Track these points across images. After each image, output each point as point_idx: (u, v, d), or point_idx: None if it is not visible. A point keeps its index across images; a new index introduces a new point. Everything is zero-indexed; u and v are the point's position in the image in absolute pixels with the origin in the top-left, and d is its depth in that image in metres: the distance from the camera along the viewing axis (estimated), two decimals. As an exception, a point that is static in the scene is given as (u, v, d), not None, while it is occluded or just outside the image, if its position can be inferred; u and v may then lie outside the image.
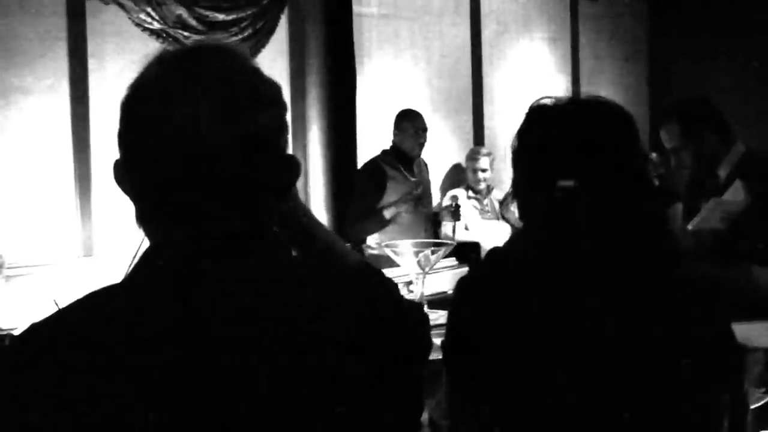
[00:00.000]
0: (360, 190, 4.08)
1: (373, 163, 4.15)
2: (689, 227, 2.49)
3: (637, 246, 1.16)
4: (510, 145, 1.23)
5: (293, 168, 0.91)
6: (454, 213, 4.22)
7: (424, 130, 4.17)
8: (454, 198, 4.45)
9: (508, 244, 1.25)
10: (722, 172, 2.52)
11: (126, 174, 0.88)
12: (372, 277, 0.95)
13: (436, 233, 4.22)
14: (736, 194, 2.41)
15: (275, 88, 0.91)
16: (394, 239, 3.28)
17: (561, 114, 1.20)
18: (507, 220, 4.53)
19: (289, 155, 0.91)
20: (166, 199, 0.86)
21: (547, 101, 1.22)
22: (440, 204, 4.74)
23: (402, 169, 4.13)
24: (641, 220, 1.17)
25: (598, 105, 1.22)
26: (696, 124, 2.52)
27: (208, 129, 0.83)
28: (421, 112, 4.32)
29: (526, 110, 1.22)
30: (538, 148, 1.20)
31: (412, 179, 4.15)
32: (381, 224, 4.01)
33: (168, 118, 0.84)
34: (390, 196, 4.03)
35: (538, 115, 1.22)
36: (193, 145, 0.83)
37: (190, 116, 0.83)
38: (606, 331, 1.12)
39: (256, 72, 0.91)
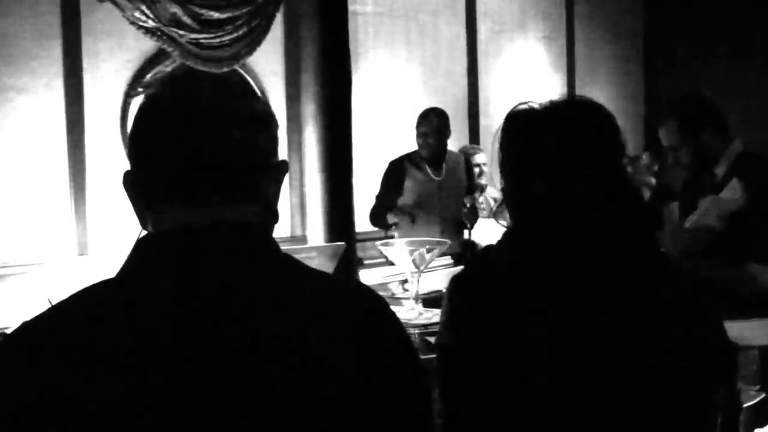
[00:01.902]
0: (381, 184, 4.18)
1: (397, 160, 4.19)
2: (686, 225, 2.50)
3: (625, 243, 1.17)
4: (495, 152, 1.25)
5: (284, 170, 0.96)
6: (468, 214, 4.19)
7: (427, 132, 4.05)
8: (471, 198, 4.37)
9: (500, 242, 1.25)
10: (719, 170, 2.53)
11: (132, 175, 0.92)
12: (361, 289, 0.98)
13: (455, 235, 4.11)
14: (733, 192, 2.41)
15: (268, 103, 1.01)
16: (409, 236, 3.31)
17: (538, 117, 1.22)
18: (501, 225, 4.50)
19: (282, 160, 0.96)
20: (167, 193, 0.89)
21: (523, 106, 1.24)
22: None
23: (427, 168, 4.11)
24: (625, 218, 1.18)
25: (576, 105, 1.24)
26: (694, 122, 2.52)
27: (211, 132, 0.89)
28: (417, 109, 4.29)
29: (504, 118, 1.24)
30: (519, 152, 1.22)
31: (436, 179, 4.11)
32: (387, 225, 4.10)
33: (176, 112, 0.90)
34: (409, 193, 4.05)
35: (515, 121, 1.24)
36: (196, 145, 0.88)
37: (195, 110, 0.89)
38: (598, 330, 1.13)
39: (252, 87, 0.99)
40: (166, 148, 0.89)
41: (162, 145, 0.89)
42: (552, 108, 1.23)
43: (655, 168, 4.94)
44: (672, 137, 2.56)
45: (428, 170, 4.12)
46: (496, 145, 1.25)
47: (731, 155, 2.51)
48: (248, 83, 0.97)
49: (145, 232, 0.91)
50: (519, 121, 1.23)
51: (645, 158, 5.27)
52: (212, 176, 0.88)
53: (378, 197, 4.16)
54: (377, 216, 4.16)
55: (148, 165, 0.90)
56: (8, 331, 2.22)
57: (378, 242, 2.65)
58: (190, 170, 0.88)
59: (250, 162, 0.91)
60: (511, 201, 1.24)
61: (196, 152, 0.88)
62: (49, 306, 0.89)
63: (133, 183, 0.92)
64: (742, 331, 1.88)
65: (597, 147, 1.20)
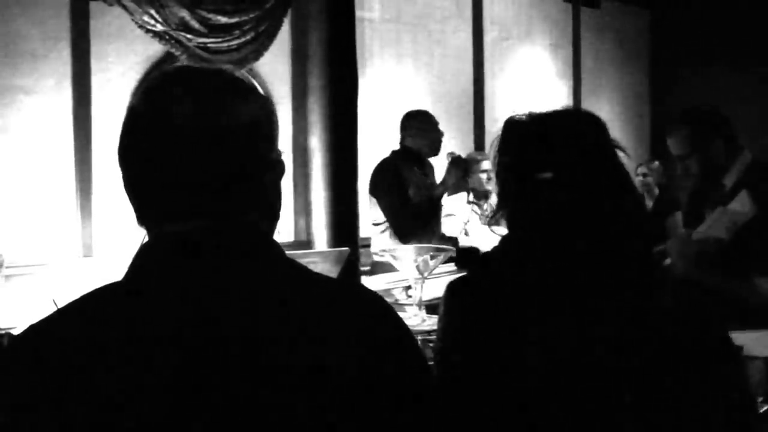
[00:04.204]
0: (398, 184, 3.91)
1: (390, 161, 4.03)
2: (694, 236, 2.48)
3: (620, 246, 1.17)
4: (492, 159, 1.27)
5: (280, 169, 0.95)
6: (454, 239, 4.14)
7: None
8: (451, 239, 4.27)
9: (497, 249, 1.25)
10: (728, 181, 2.51)
11: (124, 176, 0.91)
12: (365, 291, 0.98)
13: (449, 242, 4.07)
14: (742, 204, 2.40)
15: (265, 100, 0.96)
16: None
17: (533, 124, 1.24)
18: (496, 233, 4.46)
19: (278, 159, 0.95)
20: (161, 197, 0.89)
21: (521, 115, 1.26)
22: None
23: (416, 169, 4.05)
24: (618, 219, 1.19)
25: (569, 113, 1.26)
26: (704, 131, 2.51)
27: (196, 129, 0.88)
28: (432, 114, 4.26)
29: (501, 125, 1.26)
30: (516, 157, 1.23)
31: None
32: (435, 208, 3.89)
33: (163, 120, 0.88)
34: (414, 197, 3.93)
35: (512, 128, 1.25)
36: (186, 146, 0.87)
37: (183, 118, 0.88)
38: (596, 338, 1.13)
39: (246, 85, 0.95)
40: (152, 165, 0.88)
41: (147, 163, 0.88)
42: (546, 115, 1.25)
43: (664, 179, 4.93)
44: (682, 146, 2.54)
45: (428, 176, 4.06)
46: (493, 152, 1.27)
47: (741, 166, 2.50)
48: (240, 80, 0.93)
49: (148, 237, 0.91)
50: (517, 128, 1.25)
51: (657, 166, 5.25)
52: (201, 191, 0.87)
53: (401, 196, 3.87)
54: (417, 207, 3.84)
55: (135, 180, 0.90)
56: (14, 331, 2.23)
57: (381, 248, 2.65)
58: (177, 188, 0.87)
59: (240, 170, 0.89)
60: (507, 206, 1.24)
61: (182, 168, 0.87)
62: (56, 308, 0.89)
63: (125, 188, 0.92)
64: (746, 342, 1.88)
65: (588, 148, 1.21)
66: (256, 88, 0.97)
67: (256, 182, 0.91)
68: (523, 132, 1.24)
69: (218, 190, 0.88)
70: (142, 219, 0.91)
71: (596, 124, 1.24)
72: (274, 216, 0.96)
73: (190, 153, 0.87)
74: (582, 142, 1.21)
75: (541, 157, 1.20)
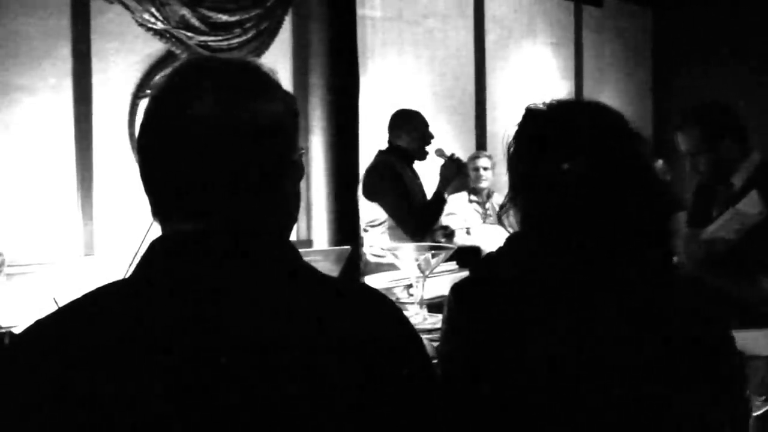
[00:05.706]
0: (399, 186, 3.83)
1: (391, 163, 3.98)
2: (703, 236, 2.47)
3: (634, 245, 1.16)
4: (505, 148, 1.24)
5: (298, 170, 0.94)
6: (448, 237, 4.12)
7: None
8: (445, 228, 4.25)
9: (502, 248, 1.24)
10: (737, 180, 2.51)
11: (141, 170, 0.91)
12: (370, 291, 0.97)
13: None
14: (751, 204, 2.39)
15: (289, 98, 0.94)
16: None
17: (556, 112, 1.22)
18: (504, 226, 4.45)
19: (295, 161, 0.94)
20: (175, 193, 0.88)
21: (541, 104, 1.24)
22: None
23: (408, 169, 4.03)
24: (641, 215, 1.17)
25: (591, 104, 1.24)
26: (716, 129, 2.50)
27: (215, 128, 0.87)
28: (424, 114, 4.26)
29: (522, 112, 1.24)
30: (536, 146, 1.21)
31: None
32: (441, 208, 3.82)
33: (181, 115, 0.87)
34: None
35: (533, 115, 1.23)
36: (204, 143, 0.86)
37: (202, 114, 0.86)
38: (601, 340, 1.12)
39: (270, 80, 0.93)
40: (167, 160, 0.87)
41: (162, 158, 0.88)
42: (569, 103, 1.23)
43: (668, 177, 4.90)
44: (692, 143, 2.53)
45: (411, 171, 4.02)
46: (509, 140, 1.24)
47: (750, 166, 2.49)
48: (265, 75, 0.90)
49: (156, 235, 0.91)
50: (536, 117, 1.23)
51: (661, 164, 5.21)
52: (216, 190, 0.86)
53: (406, 198, 3.83)
54: (424, 208, 3.80)
55: (151, 175, 0.90)
56: (15, 330, 2.23)
57: (384, 247, 2.64)
58: (191, 186, 0.86)
59: (258, 170, 0.88)
60: (522, 197, 1.22)
61: (198, 166, 0.86)
62: (57, 307, 0.89)
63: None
64: (747, 340, 1.88)
65: (614, 141, 1.19)
66: (280, 85, 0.94)
67: (274, 183, 0.90)
68: (542, 122, 1.22)
69: (234, 190, 0.87)
70: (156, 214, 0.91)
71: (618, 119, 1.22)
72: (290, 217, 0.95)
73: (207, 150, 0.86)
74: (602, 136, 1.19)
75: (558, 151, 1.17)
